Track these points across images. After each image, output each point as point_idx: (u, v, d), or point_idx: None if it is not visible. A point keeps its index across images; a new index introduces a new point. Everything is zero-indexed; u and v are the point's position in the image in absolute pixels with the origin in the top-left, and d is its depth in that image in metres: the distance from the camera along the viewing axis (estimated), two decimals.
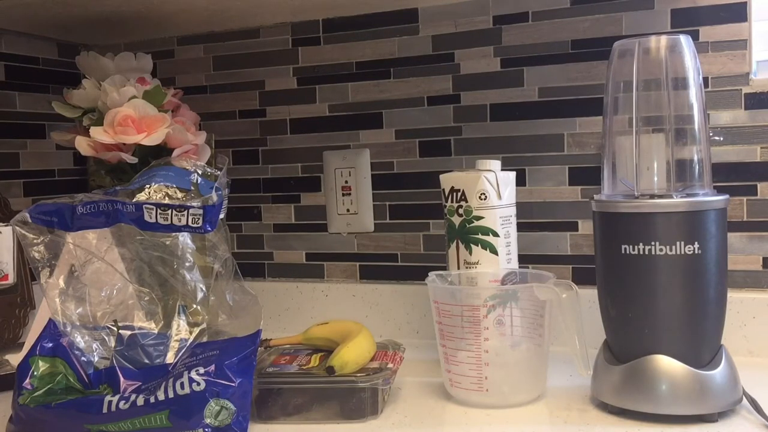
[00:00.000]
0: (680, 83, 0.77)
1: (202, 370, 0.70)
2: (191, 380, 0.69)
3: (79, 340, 0.76)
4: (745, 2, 0.94)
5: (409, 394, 0.86)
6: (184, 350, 0.76)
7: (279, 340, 0.91)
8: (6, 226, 0.92)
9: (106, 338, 0.77)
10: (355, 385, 0.77)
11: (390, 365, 0.80)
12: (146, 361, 0.76)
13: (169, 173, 0.84)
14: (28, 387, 0.72)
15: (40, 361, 0.74)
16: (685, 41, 0.78)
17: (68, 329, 0.76)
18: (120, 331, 0.77)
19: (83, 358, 0.75)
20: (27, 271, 1.10)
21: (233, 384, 0.70)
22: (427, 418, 0.78)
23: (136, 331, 0.77)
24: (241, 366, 0.71)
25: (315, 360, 0.83)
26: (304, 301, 1.18)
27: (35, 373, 0.73)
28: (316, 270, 1.20)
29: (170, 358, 0.76)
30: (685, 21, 0.96)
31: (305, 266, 1.21)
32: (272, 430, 0.76)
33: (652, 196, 0.74)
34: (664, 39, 0.78)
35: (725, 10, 0.95)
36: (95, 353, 0.76)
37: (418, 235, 1.13)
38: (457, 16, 1.08)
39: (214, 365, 0.70)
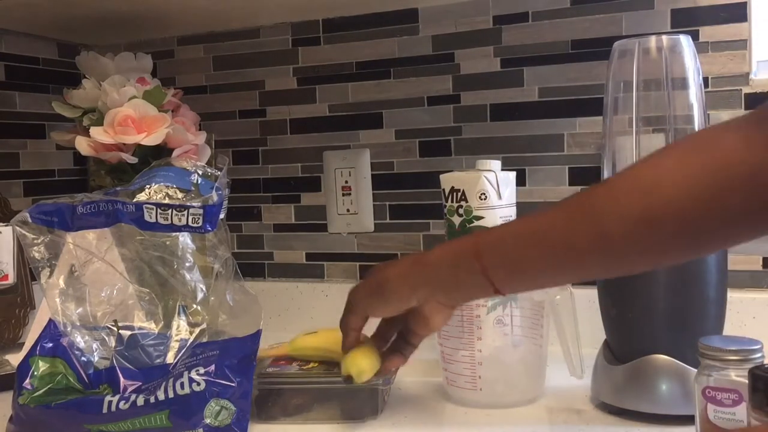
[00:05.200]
0: (680, 83, 0.77)
1: (202, 370, 0.70)
2: (191, 380, 0.69)
3: (79, 340, 0.76)
4: (745, 2, 0.94)
5: (409, 394, 0.86)
6: (184, 350, 0.76)
7: (264, 351, 0.84)
8: (6, 226, 0.92)
9: (106, 338, 0.77)
10: (355, 386, 0.77)
11: None
12: (146, 360, 0.76)
13: (169, 173, 0.84)
14: (28, 387, 0.72)
15: (40, 361, 0.74)
16: (685, 41, 0.78)
17: (68, 329, 0.76)
18: (120, 331, 0.77)
19: (83, 358, 0.75)
20: (27, 271, 1.10)
21: (233, 384, 0.70)
22: (426, 418, 0.78)
23: (136, 331, 0.77)
24: (241, 366, 0.71)
25: (315, 361, 0.83)
26: (304, 301, 1.18)
27: (35, 373, 0.73)
28: (316, 270, 1.20)
29: (170, 358, 0.76)
30: (685, 21, 0.96)
31: (305, 266, 1.21)
32: (272, 430, 0.76)
33: None
34: (664, 39, 0.78)
35: (725, 10, 0.95)
36: (95, 353, 0.76)
37: (418, 235, 1.13)
38: (457, 16, 1.08)
39: (214, 365, 0.70)
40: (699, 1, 0.96)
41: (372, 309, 0.71)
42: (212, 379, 0.69)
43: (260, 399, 0.78)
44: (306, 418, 0.78)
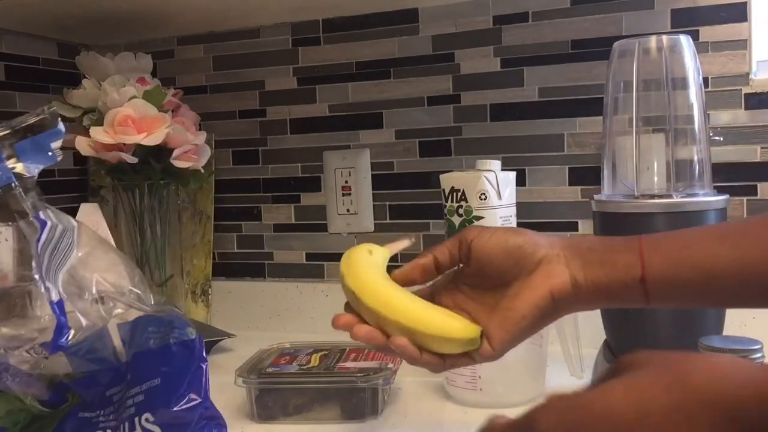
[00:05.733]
0: (680, 83, 0.77)
1: (152, 418, 0.65)
2: (145, 431, 0.64)
3: (20, 362, 0.67)
4: (745, 2, 0.94)
5: (409, 394, 0.86)
6: (126, 332, 0.69)
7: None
8: (6, 226, 0.92)
9: (45, 350, 0.67)
10: (355, 385, 0.77)
11: (390, 365, 0.80)
12: (97, 366, 0.70)
13: None
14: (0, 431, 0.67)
15: None
16: (685, 41, 0.78)
17: (4, 354, 0.67)
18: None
19: (32, 381, 0.68)
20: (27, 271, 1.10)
21: (191, 420, 0.65)
22: (426, 417, 0.78)
23: (71, 336, 0.67)
24: (191, 392, 0.66)
25: (315, 360, 0.83)
26: (304, 301, 1.18)
27: None
28: (316, 270, 1.20)
29: (117, 345, 0.70)
30: (685, 21, 0.96)
31: (305, 266, 1.21)
32: (272, 430, 0.76)
33: (652, 196, 0.75)
34: (664, 39, 0.78)
35: (725, 10, 0.95)
36: (41, 367, 0.68)
37: (418, 235, 1.13)
38: (457, 16, 1.08)
39: (163, 408, 0.65)
40: (699, 1, 0.96)
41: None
42: (166, 424, 0.65)
43: (260, 399, 0.78)
44: (306, 418, 0.78)
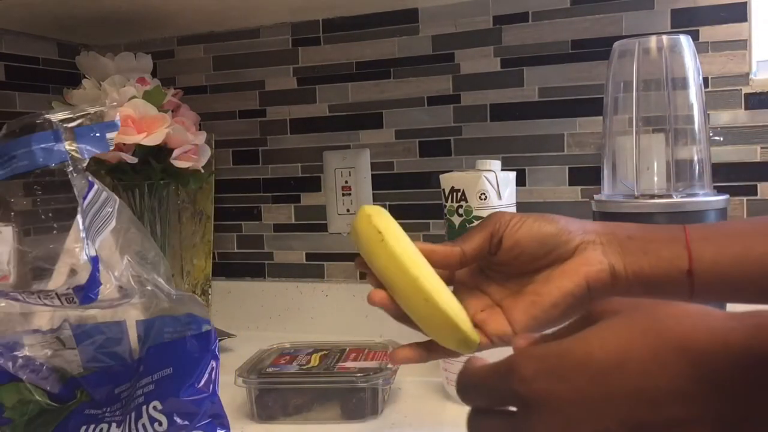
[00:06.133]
0: (680, 83, 0.77)
1: (159, 406, 0.65)
2: (152, 420, 0.65)
3: (33, 353, 0.69)
4: (745, 2, 0.94)
5: (409, 394, 0.86)
6: (142, 333, 0.70)
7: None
8: (6, 226, 0.92)
9: (61, 340, 0.70)
10: (355, 385, 0.77)
11: (390, 365, 0.80)
12: (110, 362, 0.71)
13: (31, 148, 0.68)
14: (6, 422, 0.67)
15: (3, 392, 0.68)
16: (685, 41, 0.78)
17: (16, 343, 0.69)
18: (71, 331, 0.71)
19: (45, 373, 0.69)
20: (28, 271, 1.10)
21: (197, 412, 0.65)
22: (426, 417, 0.78)
23: (87, 327, 0.70)
24: (201, 384, 0.66)
25: (315, 360, 0.83)
26: (304, 301, 1.18)
27: (6, 405, 0.67)
28: (316, 270, 1.20)
29: (133, 344, 0.71)
30: (685, 21, 0.97)
31: (305, 266, 1.21)
32: (272, 430, 0.76)
33: (652, 196, 0.75)
34: (664, 39, 0.78)
35: (725, 10, 0.95)
36: (55, 360, 0.70)
37: (418, 235, 1.13)
38: (457, 16, 1.08)
39: (172, 397, 0.65)
40: (699, 1, 0.96)
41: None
42: (173, 416, 0.65)
43: (260, 399, 0.78)
44: (306, 418, 0.78)
